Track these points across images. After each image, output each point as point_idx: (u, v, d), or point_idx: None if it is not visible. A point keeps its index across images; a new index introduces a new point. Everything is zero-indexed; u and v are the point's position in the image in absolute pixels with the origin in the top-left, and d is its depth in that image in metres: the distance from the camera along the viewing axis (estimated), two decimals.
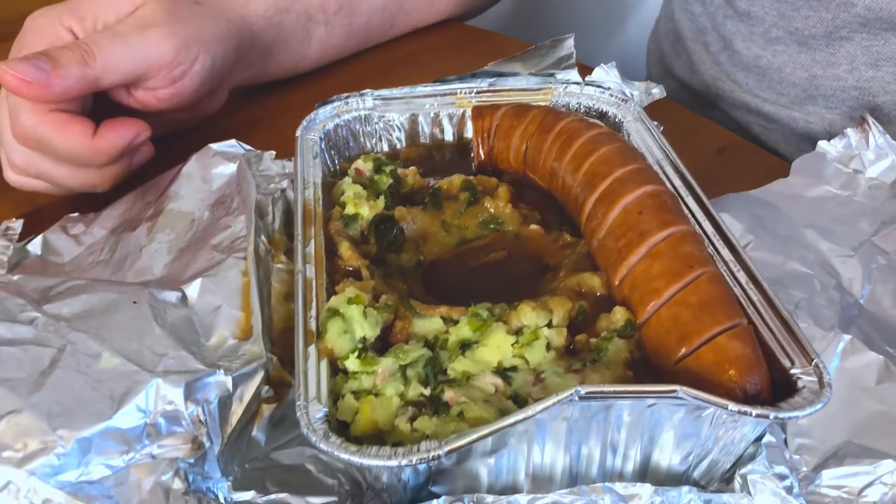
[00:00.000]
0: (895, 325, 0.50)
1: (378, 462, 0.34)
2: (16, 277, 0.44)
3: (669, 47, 0.90)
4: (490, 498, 0.37)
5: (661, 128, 0.56)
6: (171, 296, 0.42)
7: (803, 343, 0.39)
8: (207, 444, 0.36)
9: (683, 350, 0.39)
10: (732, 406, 0.35)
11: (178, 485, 0.34)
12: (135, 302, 0.40)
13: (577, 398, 0.35)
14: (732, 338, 0.39)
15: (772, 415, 0.36)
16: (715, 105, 0.83)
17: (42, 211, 0.61)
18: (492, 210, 0.51)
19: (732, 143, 0.69)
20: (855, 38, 0.71)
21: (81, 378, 0.35)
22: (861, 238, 0.57)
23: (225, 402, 0.38)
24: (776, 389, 0.39)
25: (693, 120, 0.72)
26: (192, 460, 0.35)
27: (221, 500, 0.35)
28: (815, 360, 0.39)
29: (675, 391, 0.35)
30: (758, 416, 0.35)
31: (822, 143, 0.64)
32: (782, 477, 0.39)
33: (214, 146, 0.57)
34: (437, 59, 0.83)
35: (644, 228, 0.43)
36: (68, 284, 0.41)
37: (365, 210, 0.48)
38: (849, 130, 0.63)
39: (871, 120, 0.63)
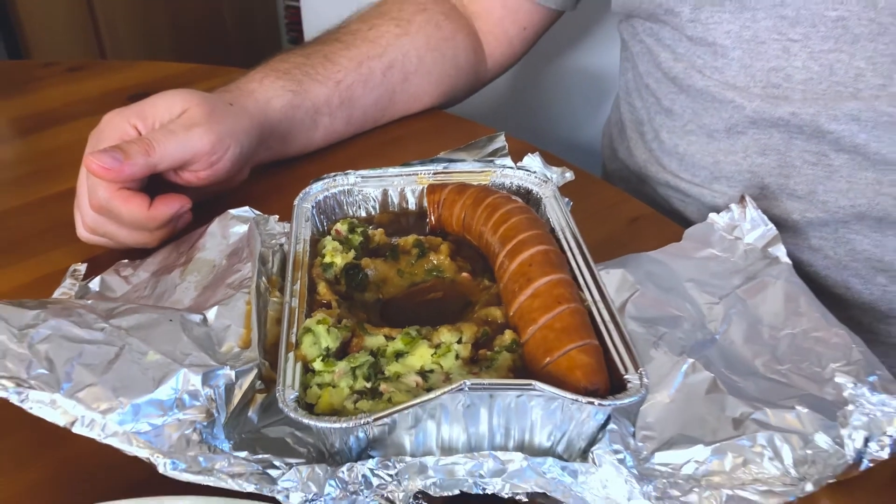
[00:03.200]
0: (737, 355, 0.64)
1: (327, 424, 0.49)
2: (89, 301, 0.61)
3: (617, 133, 1.07)
4: (408, 458, 0.52)
5: (571, 204, 0.71)
6: (196, 317, 0.59)
7: (636, 359, 0.54)
8: (216, 415, 0.51)
9: (547, 359, 0.54)
10: (570, 396, 0.51)
11: (195, 437, 0.50)
12: (171, 320, 0.57)
13: (466, 388, 0.51)
14: (581, 352, 0.53)
15: (596, 402, 0.51)
16: (646, 182, 0.99)
17: (99, 258, 0.77)
18: (435, 262, 0.67)
19: (644, 214, 0.84)
20: (748, 133, 0.86)
21: (135, 366, 0.51)
22: (729, 290, 0.71)
23: (230, 388, 0.53)
24: (616, 389, 0.55)
25: (615, 195, 0.88)
26: (205, 423, 0.50)
27: (225, 450, 0.52)
28: (640, 369, 0.54)
29: (531, 384, 0.51)
30: (587, 402, 0.50)
31: (711, 215, 0.77)
32: (617, 452, 0.54)
33: (232, 211, 0.72)
34: (420, 141, 0.99)
35: (531, 276, 0.59)
36: (125, 307, 0.58)
37: (339, 260, 0.65)
38: (733, 205, 0.77)
39: (748, 198, 0.76)
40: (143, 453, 0.48)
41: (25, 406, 0.48)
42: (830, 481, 0.52)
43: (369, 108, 0.96)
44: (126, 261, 0.75)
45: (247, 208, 0.73)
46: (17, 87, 1.18)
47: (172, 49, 2.57)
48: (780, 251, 0.74)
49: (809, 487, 0.52)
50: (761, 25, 0.81)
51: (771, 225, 0.75)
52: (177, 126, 0.73)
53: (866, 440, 0.53)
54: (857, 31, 0.76)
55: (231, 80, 0.90)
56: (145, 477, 0.50)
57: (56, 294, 0.70)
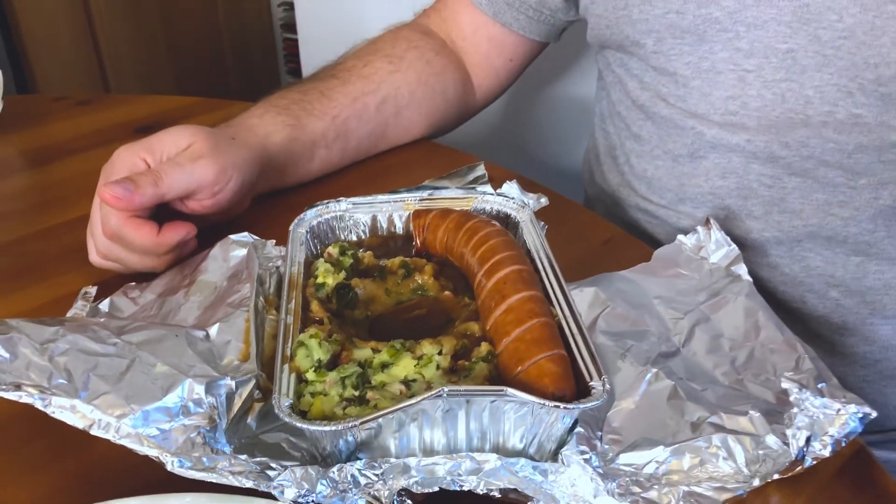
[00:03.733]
0: (699, 365, 0.69)
1: (319, 428, 0.55)
2: (102, 319, 0.67)
3: (594, 159, 1.14)
4: (393, 459, 0.58)
5: (546, 227, 0.77)
6: (200, 333, 0.64)
7: (600, 368, 0.59)
8: (218, 421, 0.56)
9: (519, 368, 0.58)
10: (538, 400, 0.56)
11: (199, 440, 0.55)
12: (177, 336, 0.62)
13: (444, 394, 0.56)
14: (550, 361, 0.58)
15: (562, 406, 0.56)
16: (619, 205, 1.05)
17: (108, 281, 0.81)
18: (420, 281, 0.72)
19: (616, 236, 0.89)
20: (709, 157, 0.92)
21: (144, 377, 0.55)
22: (694, 306, 0.75)
23: (230, 397, 0.58)
24: (582, 395, 0.60)
25: (590, 218, 0.93)
26: (208, 428, 0.55)
27: (227, 452, 0.57)
28: (603, 377, 0.59)
29: (503, 390, 0.56)
30: (553, 406, 0.55)
31: (680, 237, 0.82)
32: (584, 453, 0.59)
33: (233, 237, 0.77)
34: (409, 170, 1.05)
35: (506, 293, 0.64)
36: (135, 324, 0.63)
37: (330, 280, 0.70)
38: (699, 227, 0.82)
39: (713, 220, 0.81)
40: (152, 452, 0.53)
41: (48, 411, 0.53)
42: (776, 477, 0.58)
43: (363, 140, 1.02)
44: (133, 283, 0.80)
45: (246, 234, 0.78)
46: (30, 120, 1.23)
47: (174, 79, 2.65)
48: (742, 269, 0.79)
49: (756, 482, 0.58)
50: (718, 57, 0.87)
51: (734, 245, 0.80)
52: (183, 158, 0.79)
53: (808, 439, 0.58)
54: (805, 62, 0.82)
55: (231, 114, 0.96)
56: (150, 481, 0.55)
57: (69, 315, 0.76)
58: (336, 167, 1.02)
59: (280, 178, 0.95)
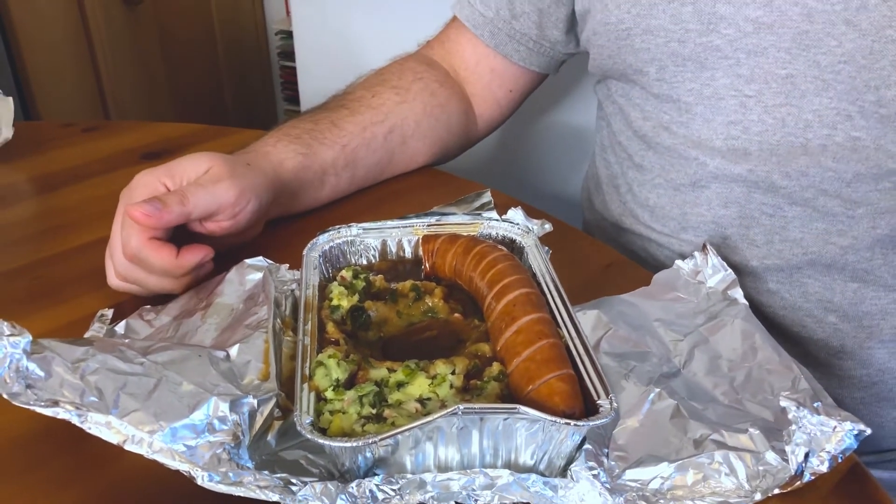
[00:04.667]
0: (699, 385, 0.72)
1: (339, 444, 0.57)
2: (127, 340, 0.69)
3: (594, 187, 1.17)
4: (409, 475, 0.60)
5: (550, 252, 0.80)
6: (221, 354, 0.66)
7: (607, 387, 0.61)
8: (242, 438, 0.58)
9: (530, 387, 0.61)
10: (550, 418, 0.59)
11: (224, 456, 0.57)
12: (200, 356, 0.64)
13: (459, 412, 0.59)
14: (559, 380, 0.61)
15: (572, 423, 0.59)
16: (621, 232, 1.08)
17: (124, 304, 0.83)
18: (430, 304, 0.75)
19: (617, 261, 0.92)
20: (711, 187, 0.96)
21: (171, 395, 0.57)
22: (692, 328, 0.78)
23: (252, 415, 0.59)
24: (590, 413, 0.62)
25: (591, 244, 0.96)
26: (233, 444, 0.57)
27: (250, 468, 0.59)
28: (610, 395, 0.62)
29: (516, 408, 0.59)
30: (564, 423, 0.58)
31: (677, 262, 0.86)
32: (592, 469, 0.61)
33: (248, 261, 0.79)
34: (414, 195, 1.08)
35: (515, 315, 0.67)
36: (159, 345, 0.65)
37: (344, 302, 0.73)
38: (696, 253, 0.86)
39: (710, 246, 0.84)
40: (184, 467, 0.55)
41: (85, 427, 0.55)
42: (777, 491, 0.60)
43: (371, 168, 1.05)
44: (149, 306, 0.82)
45: (260, 258, 0.81)
46: (39, 146, 1.25)
47: (173, 106, 2.68)
48: (738, 293, 0.82)
49: (758, 496, 0.60)
50: (720, 83, 0.91)
51: (730, 270, 0.84)
52: (205, 180, 0.82)
53: (807, 455, 0.61)
54: (804, 87, 0.86)
55: (234, 141, 1.00)
56: (174, 497, 0.57)
57: (86, 336, 0.78)
58: (344, 193, 1.05)
59: (291, 204, 0.98)
